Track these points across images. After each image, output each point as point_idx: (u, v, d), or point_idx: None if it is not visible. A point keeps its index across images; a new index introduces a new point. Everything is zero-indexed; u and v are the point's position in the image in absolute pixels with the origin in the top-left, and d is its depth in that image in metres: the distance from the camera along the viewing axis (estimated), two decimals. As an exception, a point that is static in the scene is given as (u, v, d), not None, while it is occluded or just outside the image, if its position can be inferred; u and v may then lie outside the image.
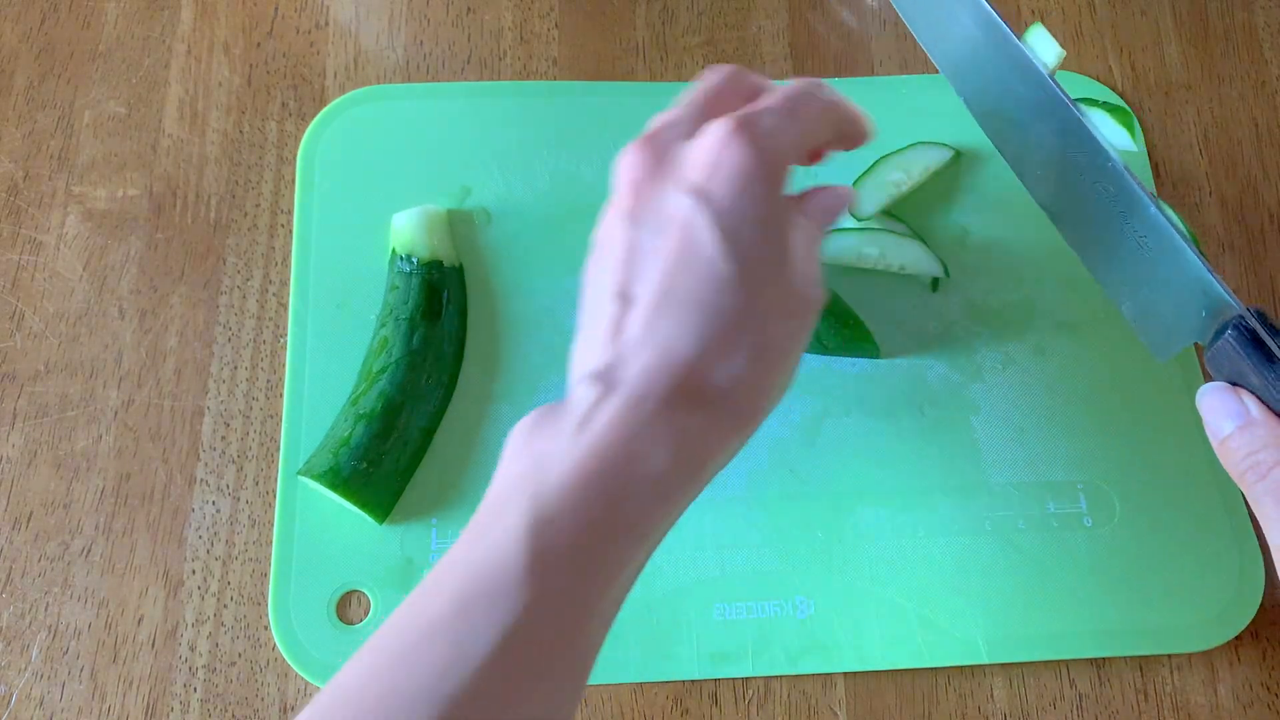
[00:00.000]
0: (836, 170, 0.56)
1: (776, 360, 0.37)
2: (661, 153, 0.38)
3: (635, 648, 0.47)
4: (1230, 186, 0.58)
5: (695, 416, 0.34)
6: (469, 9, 0.61)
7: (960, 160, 0.56)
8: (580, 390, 0.35)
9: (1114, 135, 0.52)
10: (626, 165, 0.38)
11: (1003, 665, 0.48)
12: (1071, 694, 0.48)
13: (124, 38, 0.60)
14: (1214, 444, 0.38)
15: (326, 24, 0.61)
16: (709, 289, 0.35)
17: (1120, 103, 0.58)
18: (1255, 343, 0.37)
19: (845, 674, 0.48)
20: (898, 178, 0.55)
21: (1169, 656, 0.49)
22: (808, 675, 0.48)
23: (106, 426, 0.51)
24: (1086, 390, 0.52)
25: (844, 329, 0.51)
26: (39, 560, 0.49)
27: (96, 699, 0.47)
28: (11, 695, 0.47)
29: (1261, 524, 0.36)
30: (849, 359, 0.53)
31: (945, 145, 0.56)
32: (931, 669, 0.48)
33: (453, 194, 0.55)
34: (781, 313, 0.36)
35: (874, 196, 0.55)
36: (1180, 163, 0.58)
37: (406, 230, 0.53)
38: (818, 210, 0.41)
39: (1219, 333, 0.38)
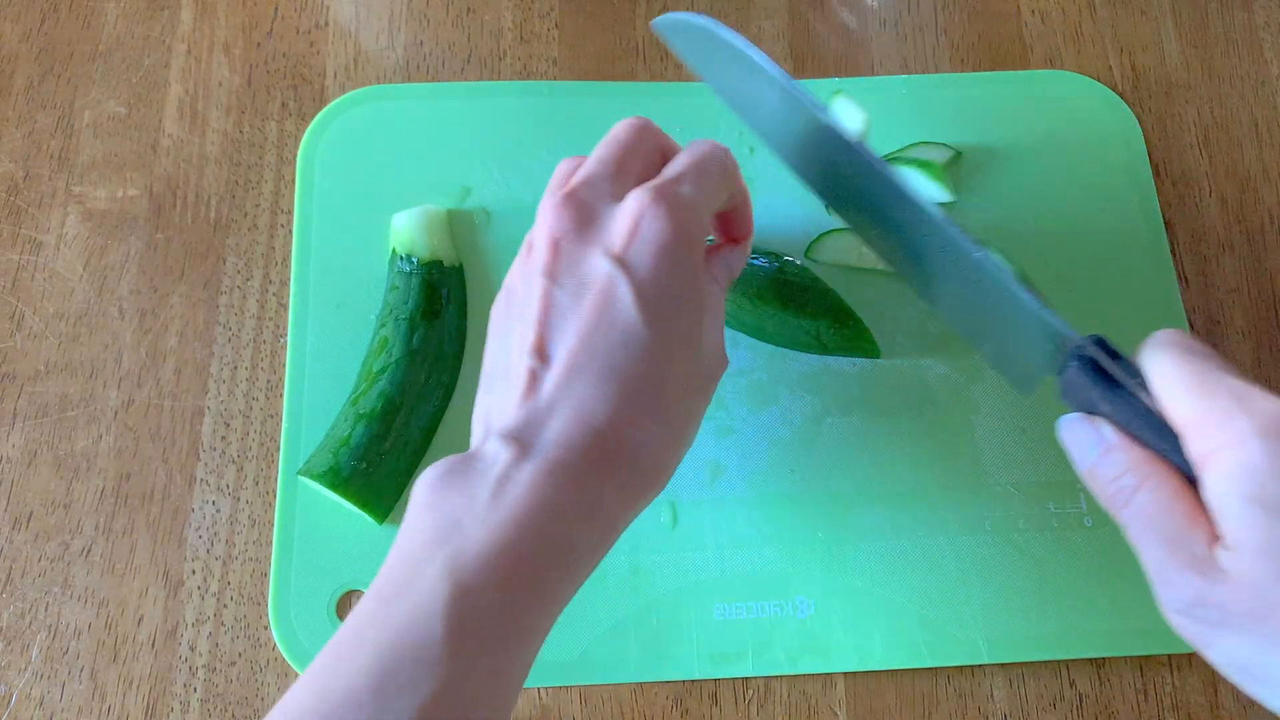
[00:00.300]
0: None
1: (683, 427, 0.38)
2: (582, 212, 0.38)
3: (635, 648, 0.47)
4: (1230, 186, 0.58)
5: (609, 483, 0.35)
6: (469, 9, 0.61)
7: (961, 160, 0.56)
8: (492, 447, 0.35)
9: (928, 189, 0.54)
10: (548, 222, 0.38)
11: (1003, 665, 0.48)
12: (1071, 694, 0.48)
13: (124, 38, 0.60)
14: (1080, 474, 0.38)
15: (326, 24, 0.61)
16: (625, 355, 0.36)
17: (952, 152, 0.58)
18: (1099, 370, 0.37)
19: (845, 674, 0.48)
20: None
21: (1169, 656, 0.49)
22: (808, 675, 0.48)
23: (106, 426, 0.51)
24: (1086, 390, 0.52)
25: (843, 329, 0.51)
26: (39, 560, 0.49)
27: (96, 699, 0.47)
28: (11, 695, 0.47)
29: (1134, 548, 0.36)
30: (849, 359, 0.53)
31: (946, 145, 0.56)
32: (931, 669, 0.48)
33: (453, 194, 0.55)
34: (690, 380, 0.38)
35: None
36: (1180, 163, 0.58)
37: (406, 230, 0.53)
38: (722, 268, 0.43)
39: (1065, 364, 0.38)
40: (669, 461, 0.38)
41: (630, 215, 0.37)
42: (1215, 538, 0.33)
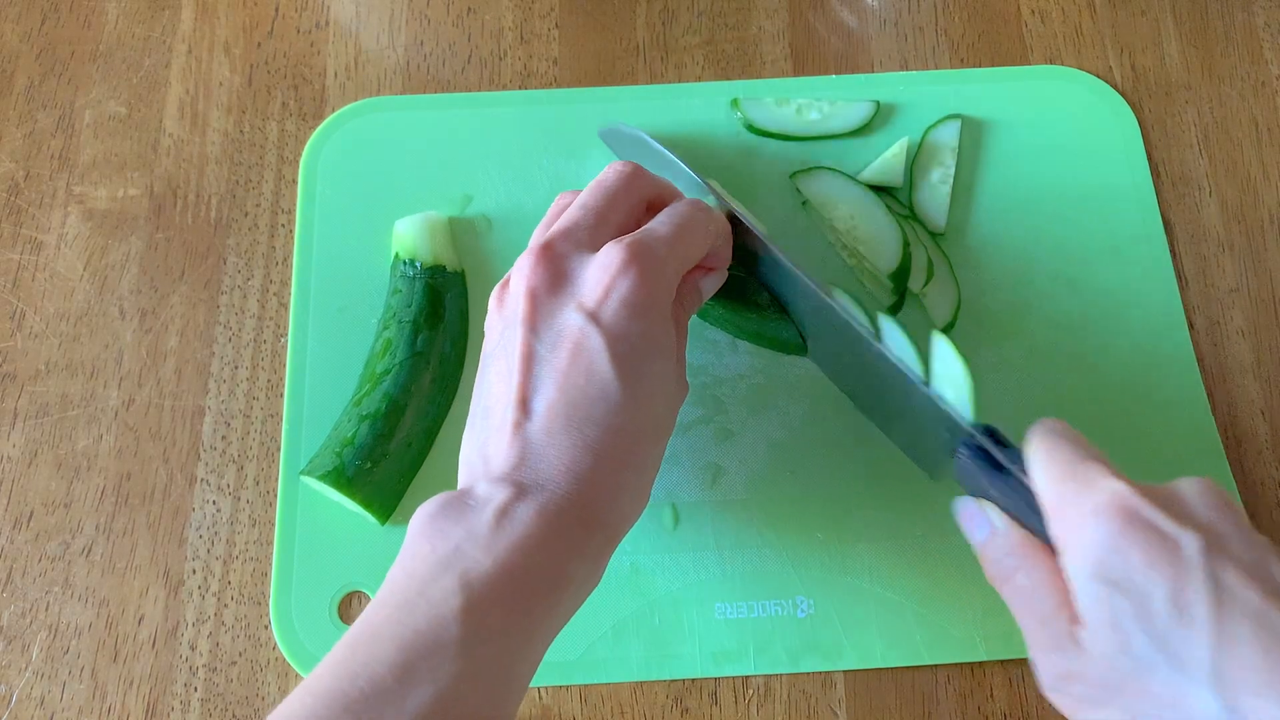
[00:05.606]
0: (836, 170, 0.56)
1: (654, 469, 0.40)
2: (557, 265, 0.40)
3: (637, 647, 0.47)
4: (1230, 186, 0.58)
5: (594, 526, 0.37)
6: (469, 9, 0.61)
7: (964, 131, 0.57)
8: (486, 487, 0.36)
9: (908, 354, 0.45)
10: (525, 274, 0.40)
11: (1002, 664, 0.48)
12: (1071, 693, 0.48)
13: (124, 38, 0.60)
14: (973, 548, 0.41)
15: (327, 24, 0.61)
16: (603, 408, 0.37)
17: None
18: (985, 456, 0.40)
19: (845, 673, 0.48)
20: (940, 174, 0.55)
21: (1168, 656, 0.49)
22: (808, 674, 0.48)
23: (107, 426, 0.51)
24: (1080, 390, 0.52)
25: (763, 318, 0.52)
26: (40, 560, 0.49)
27: (97, 698, 0.47)
28: (12, 695, 0.47)
29: (1017, 624, 0.38)
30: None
31: (948, 117, 0.57)
32: (931, 667, 0.48)
33: (454, 201, 0.55)
34: (659, 423, 0.40)
35: (938, 208, 0.55)
36: (1180, 163, 0.58)
37: (409, 236, 0.53)
38: (693, 296, 0.45)
39: (956, 451, 0.41)
40: (641, 502, 0.40)
41: (604, 272, 0.39)
42: (1076, 617, 0.35)
